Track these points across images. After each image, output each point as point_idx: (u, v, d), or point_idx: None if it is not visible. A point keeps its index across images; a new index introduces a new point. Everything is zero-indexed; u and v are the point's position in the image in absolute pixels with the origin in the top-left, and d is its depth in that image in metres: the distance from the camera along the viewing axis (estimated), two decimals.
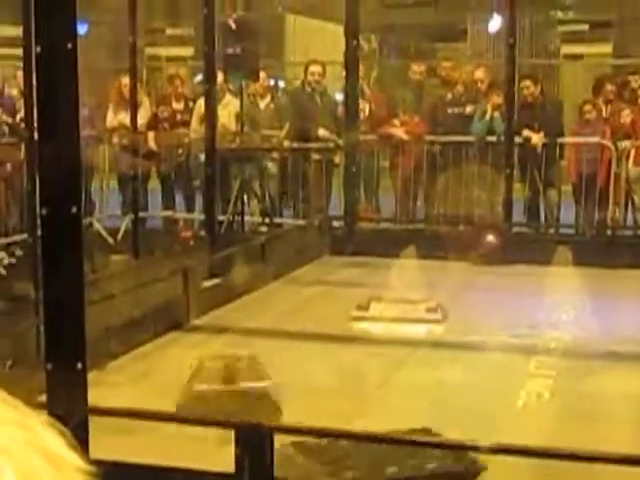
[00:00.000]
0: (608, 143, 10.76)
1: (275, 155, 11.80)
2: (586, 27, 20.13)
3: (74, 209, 3.05)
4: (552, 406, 5.53)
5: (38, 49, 3.01)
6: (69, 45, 3.02)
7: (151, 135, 11.76)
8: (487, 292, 8.12)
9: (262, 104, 11.88)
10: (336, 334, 6.87)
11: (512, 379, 5.97)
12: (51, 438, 0.82)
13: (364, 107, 11.43)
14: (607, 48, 19.40)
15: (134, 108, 9.43)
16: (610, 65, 15.96)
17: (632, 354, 6.37)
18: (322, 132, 11.44)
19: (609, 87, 11.44)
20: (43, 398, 3.39)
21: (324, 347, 6.64)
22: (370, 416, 5.12)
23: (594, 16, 19.55)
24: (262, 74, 11.49)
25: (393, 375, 6.04)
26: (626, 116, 10.97)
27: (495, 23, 13.56)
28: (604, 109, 11.26)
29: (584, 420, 5.24)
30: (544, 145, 10.78)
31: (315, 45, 15.70)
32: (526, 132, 10.71)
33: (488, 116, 10.88)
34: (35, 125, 6.67)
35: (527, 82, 11.03)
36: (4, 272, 9.26)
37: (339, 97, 11.94)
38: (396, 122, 11.46)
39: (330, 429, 4.36)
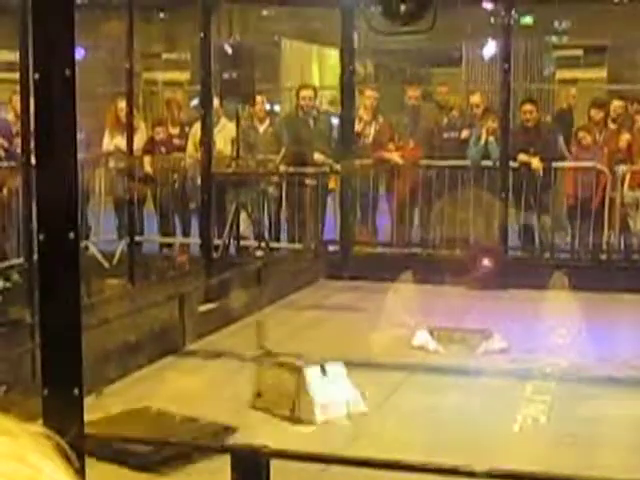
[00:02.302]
0: (603, 168, 10.79)
1: (272, 179, 11.81)
2: (581, 52, 20.23)
3: (71, 235, 3.05)
4: (553, 431, 5.52)
5: (36, 76, 3.03)
6: (67, 72, 3.03)
7: (147, 159, 11.78)
8: (492, 316, 8.07)
9: (260, 128, 11.91)
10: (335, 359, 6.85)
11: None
12: (49, 469, 0.81)
13: (362, 131, 11.47)
14: (602, 73, 19.49)
15: (130, 132, 9.45)
16: (605, 90, 16.01)
17: (629, 378, 6.37)
18: (317, 156, 11.47)
19: (602, 112, 11.48)
20: (39, 424, 3.38)
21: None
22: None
23: (589, 41, 19.65)
24: (259, 98, 11.54)
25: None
26: (622, 141, 11.00)
27: (490, 49, 13.63)
28: (598, 134, 11.29)
29: (581, 445, 5.23)
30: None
31: (311, 70, 15.77)
32: (523, 157, 10.73)
33: (483, 141, 10.91)
34: (31, 150, 6.71)
35: (528, 106, 11.06)
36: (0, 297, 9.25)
37: (335, 121, 11.99)
38: (391, 146, 11.49)
39: (326, 454, 4.35)
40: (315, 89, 11.79)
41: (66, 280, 3.16)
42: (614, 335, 7.39)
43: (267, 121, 12.05)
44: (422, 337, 7.19)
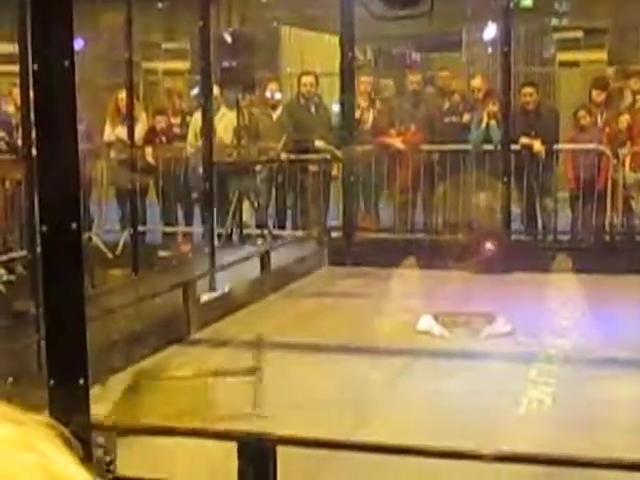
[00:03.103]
0: (605, 149, 10.77)
1: (274, 167, 11.80)
2: (581, 34, 20.16)
3: (74, 225, 3.06)
4: (557, 413, 5.53)
5: (35, 67, 3.03)
6: (66, 63, 3.03)
7: (148, 149, 11.78)
8: (496, 300, 8.07)
9: (274, 115, 11.93)
10: (339, 345, 6.87)
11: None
12: (58, 457, 0.82)
13: (361, 117, 11.46)
14: (602, 55, 19.43)
15: (131, 122, 9.43)
16: (605, 71, 15.95)
17: (635, 360, 6.38)
18: (319, 143, 11.47)
19: (604, 93, 11.46)
20: (45, 415, 3.39)
21: (326, 358, 6.64)
22: None
23: (589, 23, 19.58)
24: (274, 85, 11.66)
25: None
26: (623, 122, 10.98)
27: (490, 32, 13.60)
28: (599, 115, 11.27)
29: (586, 427, 5.24)
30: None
31: (311, 56, 15.73)
32: (524, 140, 10.72)
33: (484, 124, 10.90)
34: (32, 142, 6.70)
35: (529, 89, 11.04)
36: (4, 289, 9.26)
37: (336, 108, 11.98)
38: (393, 132, 11.48)
39: (333, 440, 4.35)
40: (316, 76, 11.78)
41: (69, 271, 3.16)
42: (618, 317, 7.39)
43: (279, 109, 12.05)
44: (426, 322, 7.20)
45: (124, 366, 6.20)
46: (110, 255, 10.89)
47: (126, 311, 6.63)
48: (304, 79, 11.68)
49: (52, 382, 3.24)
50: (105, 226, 12.01)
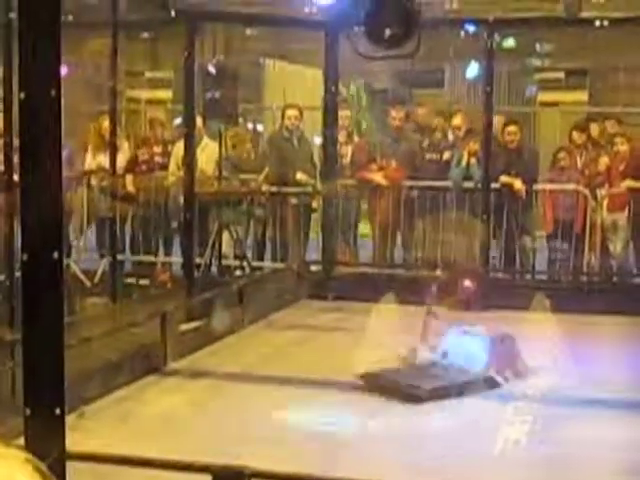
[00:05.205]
0: (584, 190, 10.86)
1: (256, 199, 11.82)
2: (562, 75, 20.37)
3: (55, 254, 3.05)
4: (532, 453, 5.54)
5: (22, 95, 3.03)
6: (53, 92, 3.04)
7: (129, 178, 11.77)
8: None
9: (244, 148, 11.95)
10: (316, 379, 6.86)
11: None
12: None
13: (342, 151, 11.52)
14: (583, 96, 19.63)
15: (113, 150, 9.44)
16: (586, 112, 16.11)
17: (609, 400, 6.40)
18: (300, 176, 11.51)
19: (584, 134, 11.57)
20: (20, 443, 3.37)
21: (303, 392, 6.63)
22: None
23: (570, 64, 19.79)
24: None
25: None
26: (602, 164, 11.09)
27: (472, 71, 13.72)
28: (579, 156, 11.38)
29: (560, 466, 5.25)
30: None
31: (294, 90, 15.80)
32: (504, 178, 10.80)
33: (465, 162, 10.97)
34: (14, 169, 6.69)
35: (512, 127, 11.13)
36: None
37: (317, 141, 12.03)
38: (374, 167, 11.54)
39: (308, 475, 4.34)
40: (300, 109, 11.83)
41: (49, 300, 3.15)
42: (594, 357, 7.42)
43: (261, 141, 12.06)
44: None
45: (100, 395, 6.18)
46: (88, 283, 10.85)
47: (103, 340, 6.60)
48: (289, 112, 11.73)
49: (28, 411, 3.22)
50: (84, 254, 11.98)
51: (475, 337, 7.01)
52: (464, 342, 6.99)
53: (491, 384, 6.67)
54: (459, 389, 6.48)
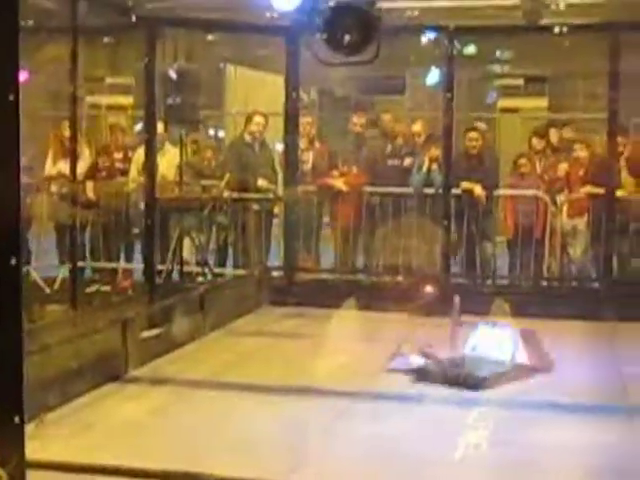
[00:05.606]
0: (544, 196, 10.94)
1: (217, 205, 11.79)
2: (521, 82, 20.54)
3: (14, 261, 3.03)
4: (491, 456, 5.56)
5: None
6: (11, 97, 3.01)
7: (90, 184, 11.71)
8: (433, 343, 8.09)
9: (205, 154, 11.92)
10: (277, 385, 6.85)
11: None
12: None
13: (303, 158, 11.52)
14: (543, 102, 19.80)
15: (73, 157, 9.38)
16: (546, 118, 16.24)
17: (571, 405, 6.45)
18: (261, 182, 11.51)
19: (544, 141, 11.67)
20: None
21: (264, 399, 6.62)
22: None
23: (529, 71, 19.97)
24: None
25: None
26: (561, 169, 11.20)
27: (433, 77, 13.78)
28: (539, 162, 11.47)
29: (522, 471, 5.27)
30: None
31: (255, 95, 15.79)
32: (465, 184, 10.86)
33: (425, 168, 11.02)
34: None
35: (474, 134, 11.22)
36: None
37: (279, 147, 12.03)
38: (335, 173, 11.56)
39: None
40: (267, 116, 11.82)
41: (8, 306, 3.12)
42: (555, 361, 7.48)
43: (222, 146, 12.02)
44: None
45: (60, 403, 6.13)
46: (48, 290, 10.78)
47: (63, 347, 6.55)
48: (256, 119, 11.70)
49: None
50: (44, 261, 11.89)
51: (501, 330, 7.42)
52: (491, 335, 7.42)
53: (526, 372, 7.05)
54: (503, 377, 6.92)
